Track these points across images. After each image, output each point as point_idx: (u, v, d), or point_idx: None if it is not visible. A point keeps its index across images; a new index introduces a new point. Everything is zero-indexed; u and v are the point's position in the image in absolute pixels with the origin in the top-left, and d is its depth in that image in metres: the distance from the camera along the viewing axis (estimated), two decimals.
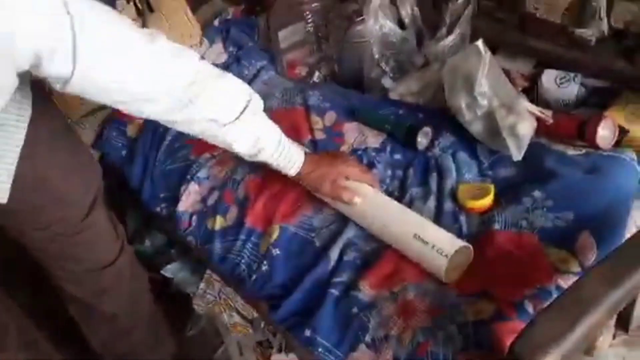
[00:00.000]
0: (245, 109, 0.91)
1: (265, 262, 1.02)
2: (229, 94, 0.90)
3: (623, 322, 0.96)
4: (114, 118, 1.47)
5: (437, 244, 0.88)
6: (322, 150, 1.17)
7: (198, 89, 0.85)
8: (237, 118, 0.90)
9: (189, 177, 1.22)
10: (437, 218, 0.99)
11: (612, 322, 0.91)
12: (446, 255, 0.87)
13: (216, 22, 1.69)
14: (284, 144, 0.99)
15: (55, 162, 0.98)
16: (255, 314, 1.09)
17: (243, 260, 1.05)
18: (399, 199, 1.04)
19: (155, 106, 0.84)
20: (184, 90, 0.84)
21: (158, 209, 1.25)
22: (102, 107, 1.49)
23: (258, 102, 0.95)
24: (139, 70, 0.79)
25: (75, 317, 1.20)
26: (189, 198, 1.19)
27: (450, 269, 0.88)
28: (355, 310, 0.89)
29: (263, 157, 0.98)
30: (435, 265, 0.88)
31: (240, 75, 1.51)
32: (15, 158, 0.88)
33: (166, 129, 1.39)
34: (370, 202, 1.00)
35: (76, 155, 1.06)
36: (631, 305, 0.90)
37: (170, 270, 1.31)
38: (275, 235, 1.03)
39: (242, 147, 0.95)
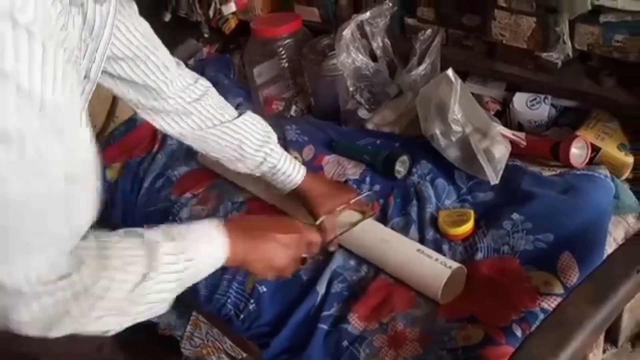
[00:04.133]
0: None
1: (252, 301, 1.01)
2: None
3: (612, 336, 0.97)
4: None
5: (441, 258, 0.92)
6: None
7: None
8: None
9: (170, 218, 1.21)
10: None
11: (602, 337, 0.92)
12: (450, 267, 0.89)
13: (191, 62, 1.71)
14: (286, 153, 1.05)
15: None
16: (244, 354, 1.08)
17: (229, 300, 1.03)
18: None
19: None
20: None
21: None
22: None
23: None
24: None
25: None
26: None
27: (447, 286, 0.88)
28: (345, 343, 0.88)
29: (271, 160, 1.02)
30: (437, 278, 0.89)
31: None
32: None
33: (145, 172, 1.39)
34: (369, 221, 1.05)
35: None
36: (619, 320, 0.91)
37: None
38: None
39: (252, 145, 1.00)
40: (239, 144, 1.00)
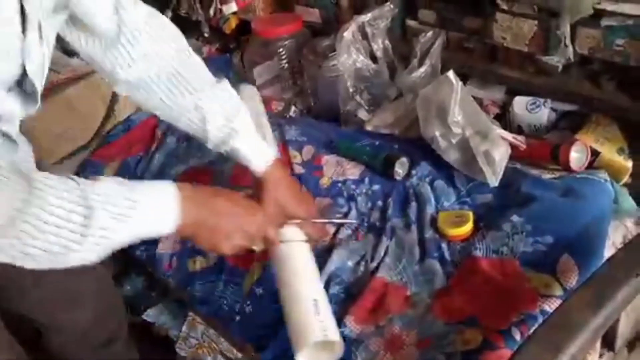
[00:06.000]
0: None
1: (248, 303, 1.00)
2: None
3: (609, 341, 0.97)
4: (90, 161, 1.45)
5: (326, 322, 0.81)
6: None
7: None
8: None
9: None
10: (420, 247, 0.99)
11: (598, 341, 0.91)
12: (326, 335, 0.79)
13: None
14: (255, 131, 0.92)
15: None
16: (240, 355, 1.07)
17: (226, 302, 1.03)
18: (380, 230, 1.04)
19: None
20: None
21: (138, 252, 1.22)
22: (80, 149, 1.48)
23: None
24: None
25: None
26: (169, 238, 1.17)
27: (313, 349, 0.79)
28: None
29: (238, 138, 0.89)
30: (307, 335, 0.79)
31: None
32: None
33: (143, 170, 1.38)
34: (301, 248, 0.92)
35: None
36: (616, 324, 0.90)
37: (151, 315, 1.28)
38: (257, 273, 1.02)
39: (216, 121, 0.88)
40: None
